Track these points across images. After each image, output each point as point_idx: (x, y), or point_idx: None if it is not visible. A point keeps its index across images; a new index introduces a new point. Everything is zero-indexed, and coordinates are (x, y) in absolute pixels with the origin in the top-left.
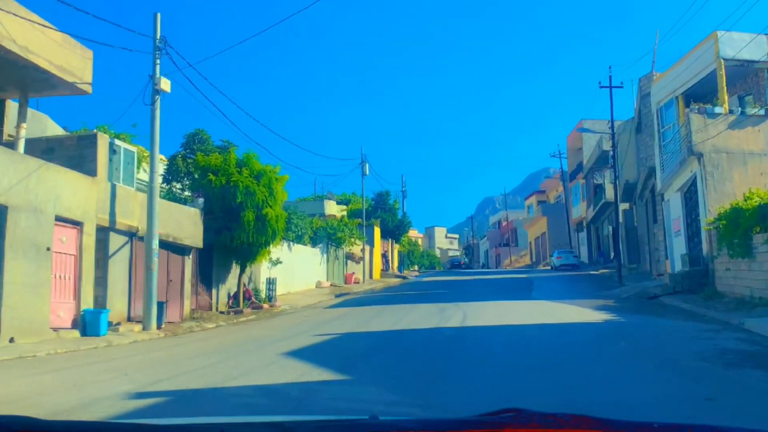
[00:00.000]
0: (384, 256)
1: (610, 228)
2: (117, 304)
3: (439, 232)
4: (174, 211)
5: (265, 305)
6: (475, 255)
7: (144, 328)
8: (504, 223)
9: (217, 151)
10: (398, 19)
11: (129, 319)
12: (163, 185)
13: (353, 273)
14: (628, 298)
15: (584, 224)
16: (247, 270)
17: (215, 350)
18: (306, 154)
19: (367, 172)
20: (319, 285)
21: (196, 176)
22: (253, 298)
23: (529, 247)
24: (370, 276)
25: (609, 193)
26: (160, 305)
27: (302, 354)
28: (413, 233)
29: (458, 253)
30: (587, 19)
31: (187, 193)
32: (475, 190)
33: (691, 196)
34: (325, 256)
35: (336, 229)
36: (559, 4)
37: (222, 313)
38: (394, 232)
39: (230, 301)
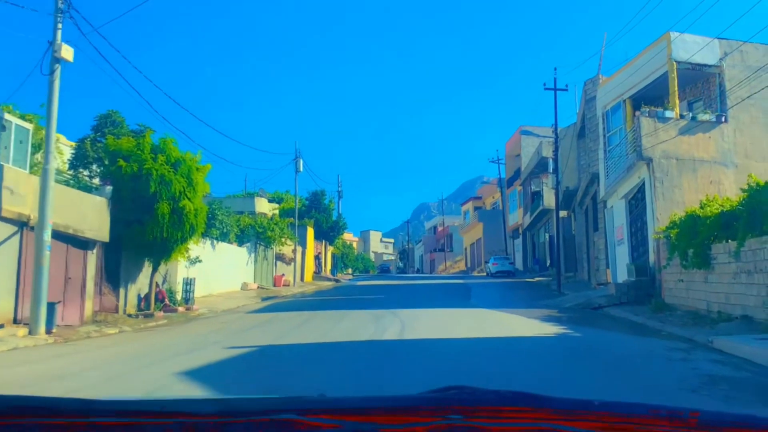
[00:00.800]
0: (317, 258)
1: (547, 235)
2: (1, 304)
3: (375, 236)
4: (75, 199)
5: (181, 308)
6: (410, 260)
7: (30, 333)
8: (440, 229)
9: (131, 136)
10: (341, 16)
11: (15, 321)
12: (69, 172)
13: (283, 275)
14: (572, 308)
15: (520, 231)
16: (161, 268)
17: (99, 364)
18: (235, 147)
19: (301, 169)
20: (245, 287)
21: (106, 162)
22: (166, 300)
23: (465, 253)
24: (302, 278)
25: (547, 200)
26: (51, 306)
27: (203, 374)
28: (348, 236)
29: (393, 257)
30: (530, 25)
31: (95, 181)
32: (411, 196)
33: (636, 203)
34: (252, 256)
35: (266, 227)
36: (503, 8)
37: (130, 316)
38: (328, 233)
39: (141, 303)
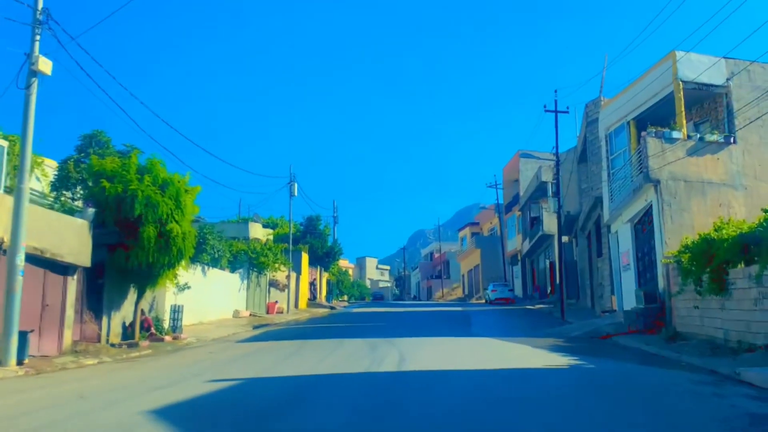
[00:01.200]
0: (312, 284)
1: (548, 261)
2: None
3: (371, 263)
4: (54, 221)
5: (168, 337)
6: (406, 287)
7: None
8: (436, 255)
9: (117, 156)
10: (338, 45)
11: None
12: (52, 194)
13: (276, 302)
14: (579, 338)
15: (519, 257)
16: (147, 295)
17: (63, 401)
18: (228, 172)
19: (296, 193)
20: (237, 314)
21: (90, 183)
22: (152, 329)
23: (462, 280)
24: (296, 305)
25: (547, 225)
26: (23, 336)
27: (175, 413)
28: (344, 263)
29: (389, 284)
30: (527, 50)
31: (79, 203)
32: (407, 223)
33: (643, 227)
34: (245, 282)
35: (259, 253)
36: (499, 32)
37: (113, 345)
38: (323, 259)
39: (128, 331)
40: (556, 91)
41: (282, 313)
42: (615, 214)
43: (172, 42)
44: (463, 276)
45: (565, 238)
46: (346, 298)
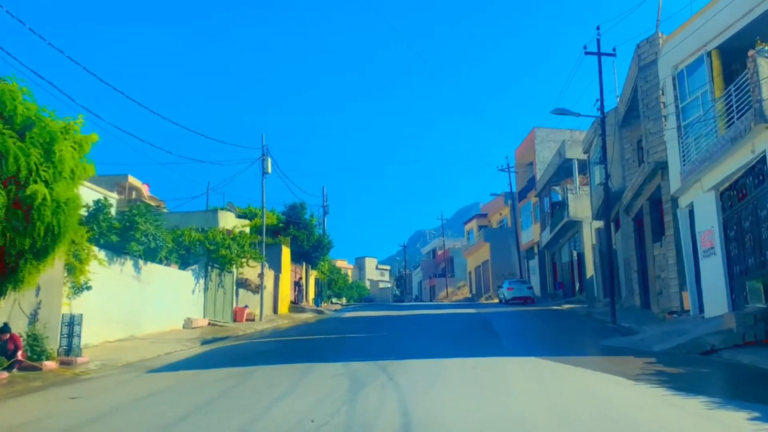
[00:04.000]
0: (296, 284)
1: (575, 253)
2: None
3: (370, 263)
4: None
5: (52, 362)
6: (407, 287)
7: None
8: (439, 252)
9: None
10: (330, 39)
11: None
12: None
13: (246, 307)
14: (672, 354)
15: (536, 250)
16: (9, 297)
17: None
18: (195, 151)
19: (270, 170)
20: (189, 324)
21: None
22: (20, 352)
23: (469, 278)
24: (274, 310)
25: (573, 209)
26: None
27: None
28: (343, 263)
29: (389, 285)
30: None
31: None
32: (407, 223)
33: (739, 193)
34: (201, 282)
35: (218, 244)
36: (492, 19)
37: None
38: (309, 254)
39: None
40: (598, 28)
41: (253, 320)
42: (690, 181)
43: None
44: (469, 273)
45: (598, 224)
46: (344, 300)
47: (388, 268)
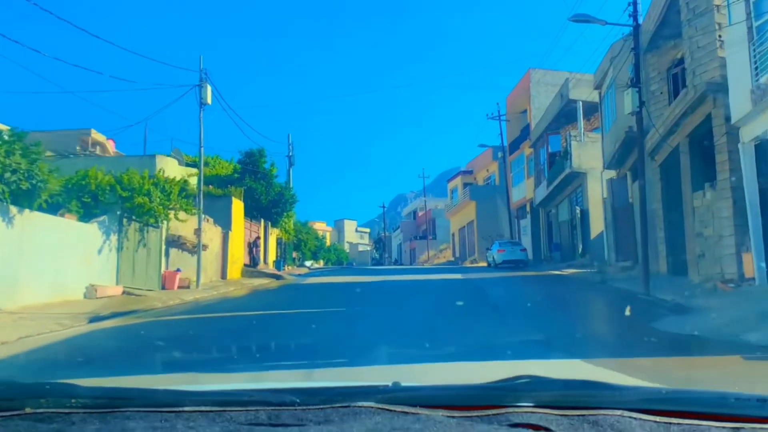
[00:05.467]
0: (252, 245)
1: (577, 210)
2: None
3: (349, 226)
4: None
5: None
6: (387, 250)
7: None
8: (420, 213)
9: None
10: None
11: None
12: None
13: (178, 271)
14: None
15: (528, 209)
16: None
17: None
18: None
19: (209, 100)
20: (93, 293)
21: None
22: None
23: (452, 240)
24: (222, 274)
25: (578, 159)
26: None
27: None
28: (321, 226)
29: (369, 248)
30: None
31: None
32: (388, 188)
33: None
34: (113, 238)
35: (135, 189)
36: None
37: None
38: (269, 210)
39: None
40: None
41: (188, 287)
42: (763, 105)
43: None
44: (453, 235)
45: (611, 174)
46: (321, 263)
47: (368, 230)
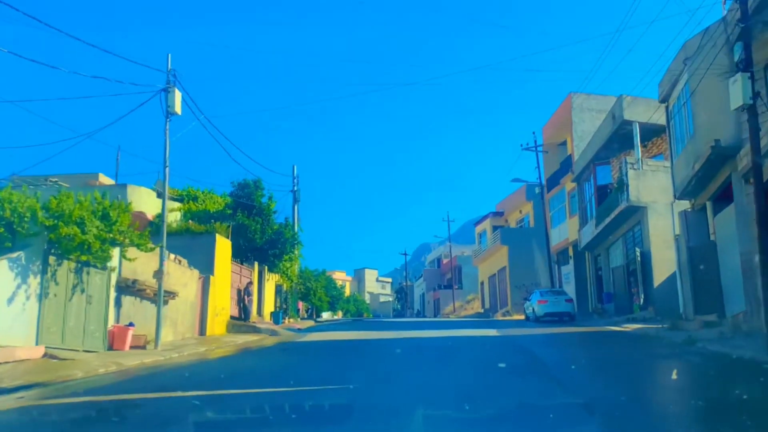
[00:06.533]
0: (245, 293)
1: (637, 251)
2: None
3: (370, 275)
4: None
5: None
6: (409, 300)
7: None
8: (445, 260)
9: None
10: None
11: None
12: None
13: (131, 326)
14: None
15: (570, 253)
16: None
17: None
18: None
19: (178, 109)
20: None
21: None
22: None
23: (480, 290)
24: (200, 330)
25: (636, 189)
26: None
27: None
28: (340, 275)
29: (390, 299)
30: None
31: None
32: (411, 237)
33: None
34: (33, 281)
35: (64, 216)
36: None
37: None
38: (265, 251)
39: None
40: None
41: (145, 347)
42: None
43: None
44: (481, 284)
45: (684, 205)
46: (340, 314)
47: (390, 280)
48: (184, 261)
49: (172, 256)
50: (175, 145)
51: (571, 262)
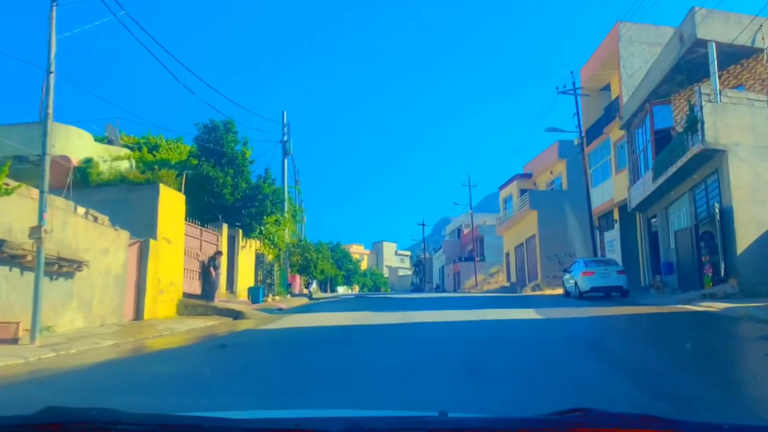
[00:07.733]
0: (209, 264)
1: (716, 207)
2: None
3: (388, 249)
4: None
5: None
6: (427, 274)
7: None
8: (466, 231)
9: None
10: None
11: None
12: None
13: None
14: None
15: (615, 216)
16: None
17: None
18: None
19: None
20: None
21: None
22: None
23: (505, 261)
24: (136, 313)
25: (713, 130)
26: None
27: None
28: (358, 248)
29: (409, 273)
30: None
31: None
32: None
33: None
34: None
35: None
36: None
37: None
38: (237, 210)
39: None
40: None
41: (16, 341)
42: None
43: None
44: (507, 255)
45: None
46: (356, 288)
47: (408, 254)
48: (104, 218)
49: (82, 210)
50: (138, 82)
51: (617, 226)
